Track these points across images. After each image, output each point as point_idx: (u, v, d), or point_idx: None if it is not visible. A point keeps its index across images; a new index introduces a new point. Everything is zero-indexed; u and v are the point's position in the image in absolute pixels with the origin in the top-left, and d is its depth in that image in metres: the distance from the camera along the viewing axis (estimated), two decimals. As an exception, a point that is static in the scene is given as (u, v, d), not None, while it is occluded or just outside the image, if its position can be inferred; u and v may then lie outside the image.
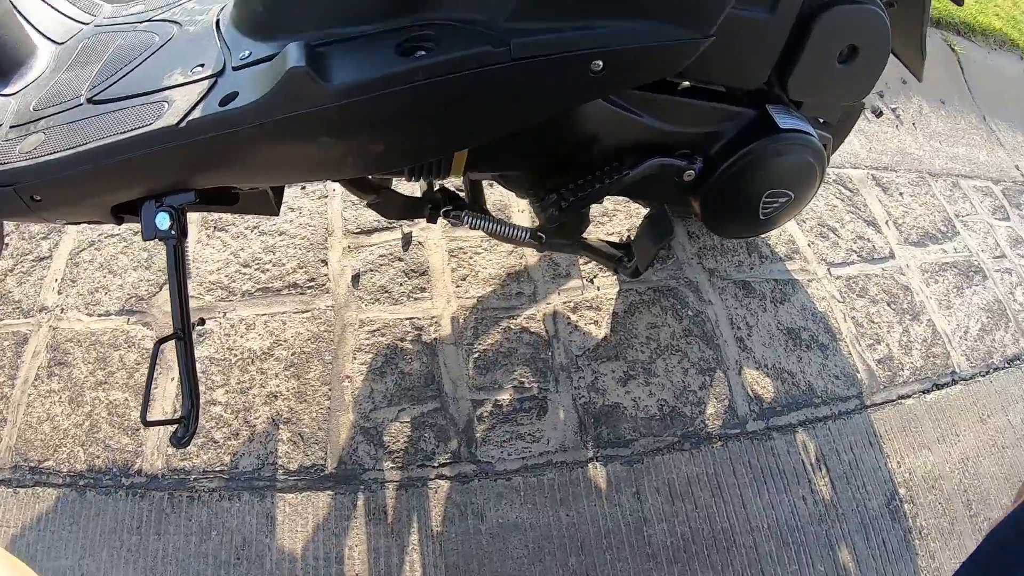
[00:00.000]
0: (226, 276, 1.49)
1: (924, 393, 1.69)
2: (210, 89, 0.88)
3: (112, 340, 1.39)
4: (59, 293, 1.47)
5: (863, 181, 2.14)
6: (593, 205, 1.63)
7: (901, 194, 2.16)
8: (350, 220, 1.62)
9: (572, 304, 1.53)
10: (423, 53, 0.83)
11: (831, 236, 1.90)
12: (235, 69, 0.90)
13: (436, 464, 1.30)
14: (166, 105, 0.88)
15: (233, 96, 0.85)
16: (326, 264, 1.53)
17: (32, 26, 1.16)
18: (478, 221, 1.24)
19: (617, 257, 1.28)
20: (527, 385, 1.40)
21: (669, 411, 1.42)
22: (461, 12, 0.86)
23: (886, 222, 2.04)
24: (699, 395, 1.45)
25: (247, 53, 0.91)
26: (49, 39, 1.16)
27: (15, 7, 1.14)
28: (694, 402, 1.44)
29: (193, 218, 1.57)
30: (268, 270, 1.51)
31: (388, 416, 1.34)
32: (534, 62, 0.86)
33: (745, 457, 1.41)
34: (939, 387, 1.76)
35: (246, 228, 1.58)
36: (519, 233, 1.24)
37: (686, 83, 1.13)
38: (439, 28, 0.86)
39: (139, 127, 0.86)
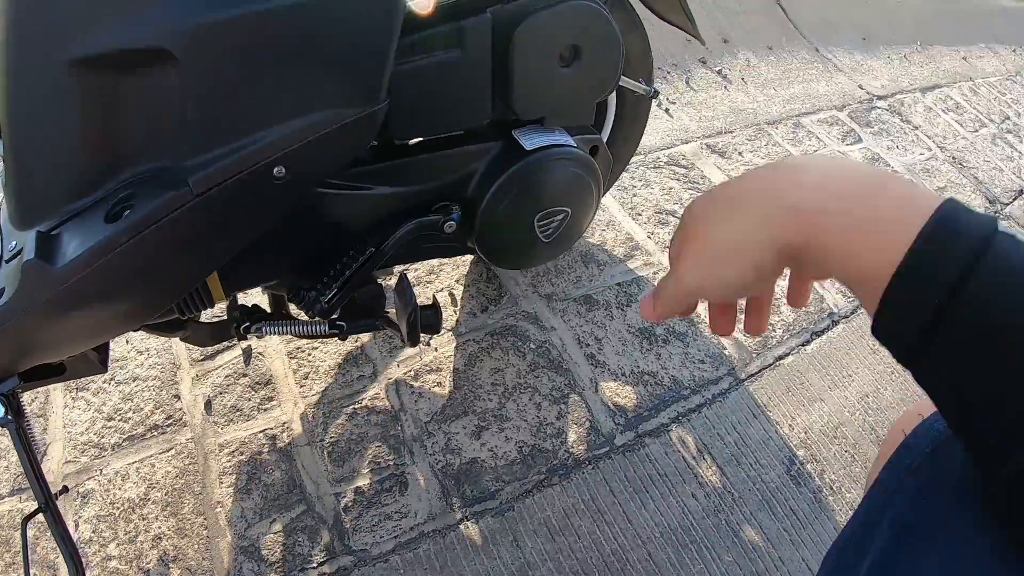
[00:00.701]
0: (95, 434, 1.47)
1: (803, 346, 1.69)
2: None
3: (10, 522, 1.35)
4: None
5: (697, 153, 2.14)
6: (415, 266, 1.63)
7: (740, 153, 2.18)
8: (194, 349, 1.60)
9: (413, 372, 1.51)
10: (128, 213, 0.83)
11: (671, 220, 1.90)
12: (6, 262, 0.91)
13: (315, 564, 1.27)
14: None
15: (1, 293, 0.86)
16: (179, 398, 1.52)
17: None
18: (276, 328, 1.23)
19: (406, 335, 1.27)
20: (384, 465, 1.37)
21: (529, 451, 1.40)
22: (153, 163, 0.86)
23: (728, 187, 2.05)
24: (557, 425, 1.43)
25: (13, 244, 0.91)
26: None
27: None
28: (554, 434, 1.42)
29: (58, 384, 1.56)
30: (130, 418, 1.49)
31: (261, 530, 1.31)
32: (218, 191, 0.85)
33: (620, 473, 1.39)
34: (818, 334, 1.77)
35: (104, 383, 1.56)
36: (319, 328, 1.22)
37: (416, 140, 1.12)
38: (140, 183, 0.86)
39: None
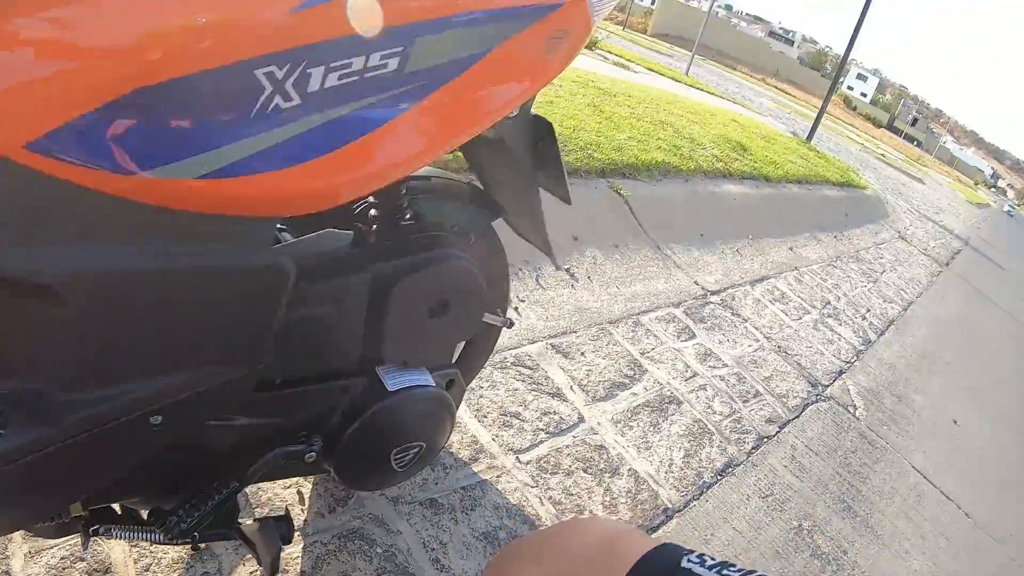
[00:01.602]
0: None
1: (637, 542, 1.80)
2: None
3: None
4: None
5: (542, 354, 2.29)
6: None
7: (583, 353, 2.35)
8: (26, 526, 1.54)
9: (259, 573, 1.51)
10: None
11: (515, 422, 2.01)
12: None
13: None
14: None
15: None
16: (9, 575, 1.44)
17: None
18: (129, 534, 1.22)
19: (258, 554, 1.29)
20: None
21: (372, 664, 1.42)
22: (27, 384, 0.85)
23: (570, 387, 2.19)
24: (401, 639, 1.47)
25: None
26: None
27: None
28: (396, 648, 1.45)
29: None
30: None
31: None
32: (98, 431, 0.86)
33: None
34: (653, 530, 1.88)
35: None
36: (171, 538, 1.23)
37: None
38: (10, 403, 0.84)
39: None
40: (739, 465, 2.28)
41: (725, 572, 0.53)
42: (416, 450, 1.32)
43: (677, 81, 11.04)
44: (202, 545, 1.46)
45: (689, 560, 0.55)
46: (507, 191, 1.39)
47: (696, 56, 15.62)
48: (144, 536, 1.23)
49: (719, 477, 2.18)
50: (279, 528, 1.19)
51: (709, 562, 0.54)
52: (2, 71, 0.63)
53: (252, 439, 1.16)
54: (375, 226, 1.23)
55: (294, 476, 1.42)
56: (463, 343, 1.63)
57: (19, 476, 0.85)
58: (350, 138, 0.87)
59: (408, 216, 1.24)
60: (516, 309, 2.39)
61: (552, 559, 0.64)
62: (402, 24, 0.86)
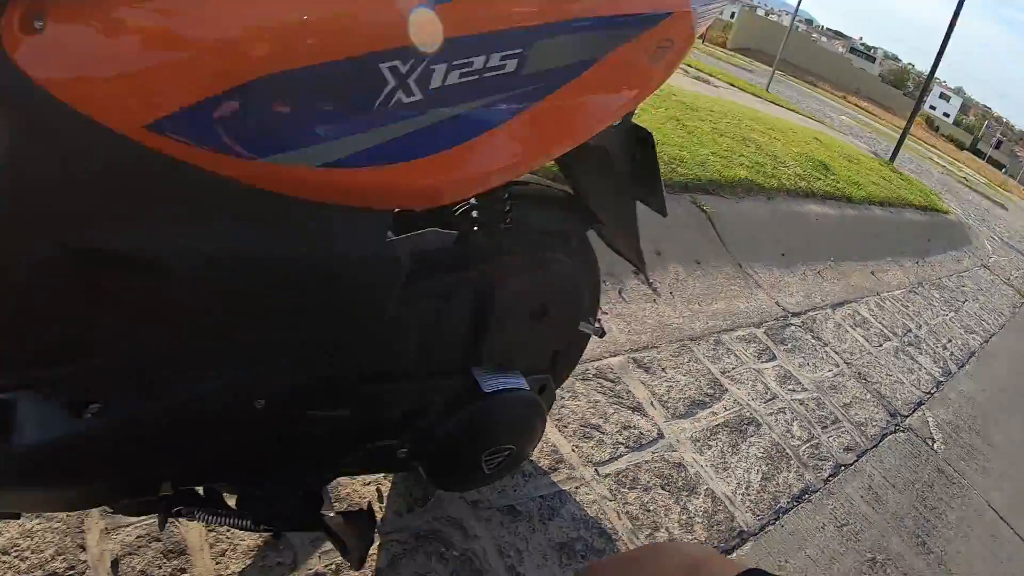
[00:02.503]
0: None
1: (713, 564, 1.77)
2: None
3: None
4: None
5: (624, 367, 2.28)
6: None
7: (664, 369, 2.32)
8: (107, 499, 1.58)
9: (334, 566, 1.52)
10: (96, 407, 0.84)
11: (595, 434, 2.00)
12: None
13: None
14: None
15: None
16: (84, 549, 1.47)
17: None
18: (212, 517, 1.24)
19: (343, 543, 1.30)
20: (294, 671, 1.38)
21: (444, 670, 1.43)
22: (126, 361, 0.87)
23: (651, 403, 2.17)
24: (471, 646, 1.47)
25: None
26: None
27: None
28: (466, 656, 1.46)
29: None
30: (28, 557, 1.43)
31: None
32: (200, 410, 0.89)
33: None
34: (728, 552, 1.85)
35: None
36: (255, 524, 1.25)
37: None
38: (111, 377, 0.86)
39: None
40: (816, 492, 2.23)
41: None
42: (507, 453, 1.32)
43: (758, 96, 10.88)
44: (282, 535, 1.49)
45: None
46: (602, 201, 1.38)
47: (776, 72, 15.34)
48: (227, 521, 1.24)
49: (795, 503, 2.13)
50: (363, 522, 1.19)
51: None
52: (130, 53, 0.65)
53: (347, 431, 1.17)
54: (476, 228, 1.24)
55: (382, 471, 1.44)
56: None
57: (118, 450, 0.87)
58: (466, 137, 0.88)
59: (508, 220, 1.25)
60: (599, 321, 2.38)
61: None
62: (522, 26, 0.87)
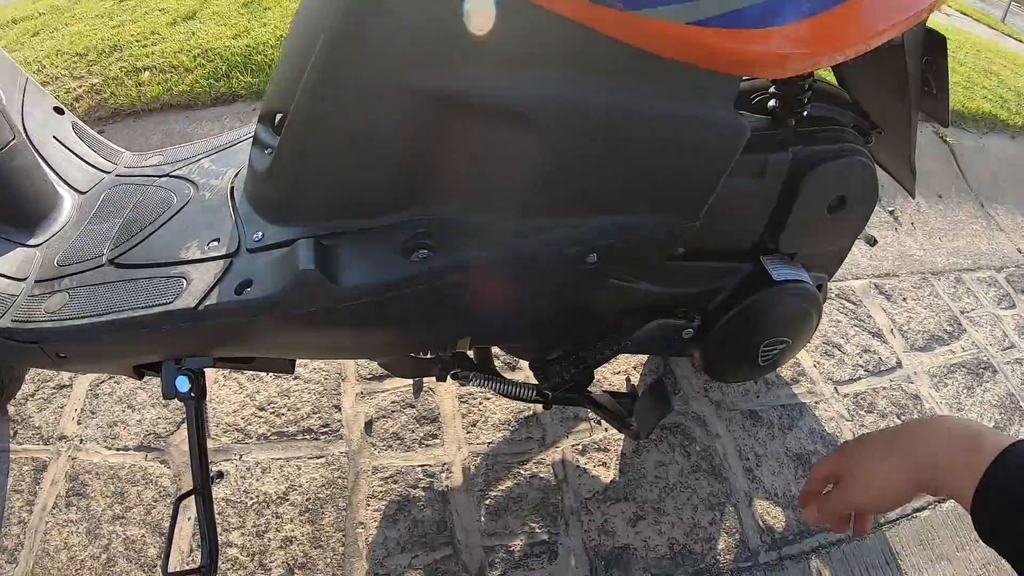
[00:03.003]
0: (242, 419, 1.51)
1: (940, 503, 1.68)
2: (225, 271, 0.91)
3: (130, 476, 1.40)
4: (78, 423, 1.49)
5: (865, 291, 2.17)
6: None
7: (904, 299, 2.18)
8: (363, 366, 1.64)
9: (581, 446, 1.54)
10: (425, 253, 0.86)
11: (836, 353, 1.92)
12: (250, 251, 0.93)
13: (448, 612, 1.30)
14: (184, 282, 0.92)
15: (248, 284, 0.88)
16: (339, 410, 1.55)
17: (57, 175, 1.20)
18: (485, 382, 1.26)
19: (621, 416, 1.30)
20: (538, 530, 1.40)
21: (680, 549, 1.42)
22: (456, 210, 0.89)
23: (891, 331, 2.06)
24: (709, 531, 1.45)
25: (260, 235, 0.94)
26: (73, 188, 1.20)
27: (40, 156, 1.19)
28: (704, 538, 1.44)
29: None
30: (283, 414, 1.53)
31: (401, 563, 1.33)
32: (531, 261, 0.89)
33: (759, 590, 1.40)
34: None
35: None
36: (526, 392, 1.26)
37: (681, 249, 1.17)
38: (440, 226, 0.88)
39: (158, 304, 0.90)
40: (1045, 452, 2.06)
41: None
42: (783, 346, 1.28)
43: (993, 28, 9.84)
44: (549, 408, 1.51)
45: None
46: (884, 107, 1.26)
47: (1012, 3, 13.80)
48: (500, 387, 1.25)
49: (1025, 460, 1.97)
50: (662, 398, 1.18)
51: None
52: None
53: (642, 305, 1.16)
54: (775, 115, 1.17)
55: (658, 353, 1.42)
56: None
57: (436, 298, 0.88)
58: (819, 9, 0.81)
59: (805, 112, 1.17)
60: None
61: (908, 450, 0.67)
62: None
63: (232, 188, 1.07)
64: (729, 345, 1.25)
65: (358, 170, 0.88)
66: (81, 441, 1.46)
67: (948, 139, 3.11)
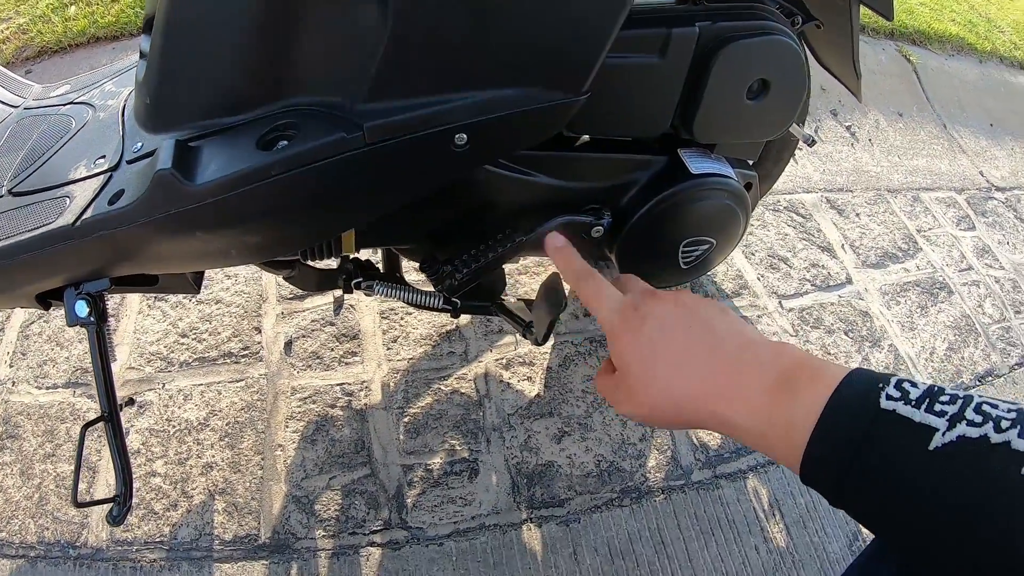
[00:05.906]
0: (165, 347, 1.48)
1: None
2: (104, 185, 0.87)
3: (59, 413, 1.39)
4: (10, 366, 1.47)
5: (816, 205, 2.09)
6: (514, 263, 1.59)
7: (858, 215, 2.12)
8: (284, 286, 1.60)
9: (505, 361, 1.48)
10: (284, 143, 0.79)
11: (782, 267, 1.85)
12: (128, 163, 0.88)
13: (367, 531, 1.25)
14: (67, 201, 0.88)
15: (120, 194, 0.83)
16: (260, 332, 1.51)
17: None
18: (390, 290, 1.19)
19: (525, 323, 1.22)
20: (458, 448, 1.35)
21: (607, 467, 1.36)
22: (322, 96, 0.82)
23: (842, 246, 1.99)
24: (639, 448, 1.39)
25: (139, 145, 0.89)
26: None
27: None
28: (634, 455, 1.38)
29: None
30: (205, 339, 1.49)
31: (319, 484, 1.30)
32: (392, 144, 0.81)
33: (690, 509, 1.35)
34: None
35: (184, 297, 1.57)
36: (432, 300, 1.19)
37: (585, 137, 1.08)
38: (302, 115, 0.82)
39: (41, 226, 0.86)
40: (1000, 377, 2.02)
41: (937, 407, 0.45)
42: (706, 247, 1.20)
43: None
44: (457, 318, 1.44)
45: (889, 398, 0.47)
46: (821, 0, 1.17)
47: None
48: (405, 296, 1.20)
49: (977, 382, 1.93)
50: (553, 297, 1.10)
51: (913, 393, 0.46)
52: None
53: (542, 200, 1.07)
54: None
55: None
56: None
57: (308, 183, 0.81)
58: None
59: None
60: (793, 157, 2.18)
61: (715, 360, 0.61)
62: None
63: (124, 105, 1.02)
64: (645, 245, 1.16)
65: (216, 66, 0.82)
66: (13, 384, 1.45)
67: (912, 58, 3.03)
